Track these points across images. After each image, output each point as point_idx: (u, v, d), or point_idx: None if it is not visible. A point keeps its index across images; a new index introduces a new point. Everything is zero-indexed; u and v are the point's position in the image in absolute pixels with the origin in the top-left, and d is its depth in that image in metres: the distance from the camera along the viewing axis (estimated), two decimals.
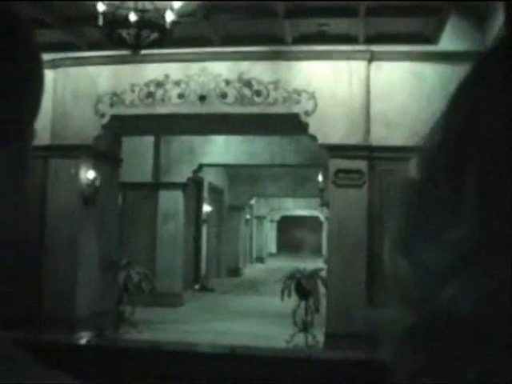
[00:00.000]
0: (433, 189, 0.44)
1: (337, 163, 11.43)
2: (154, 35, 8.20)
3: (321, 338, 11.68)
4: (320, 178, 20.89)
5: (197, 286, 23.41)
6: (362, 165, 11.30)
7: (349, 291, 10.61)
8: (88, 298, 12.26)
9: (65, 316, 11.65)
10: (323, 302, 12.00)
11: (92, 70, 12.34)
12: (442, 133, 0.47)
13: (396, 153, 11.01)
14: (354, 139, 11.44)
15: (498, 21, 9.58)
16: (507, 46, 0.46)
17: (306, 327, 12.26)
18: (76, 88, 12.41)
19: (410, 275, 0.44)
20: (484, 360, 0.38)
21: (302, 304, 12.62)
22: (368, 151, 11.36)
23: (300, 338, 12.07)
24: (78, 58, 12.17)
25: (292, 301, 12.73)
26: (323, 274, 12.48)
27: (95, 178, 12.41)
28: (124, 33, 8.12)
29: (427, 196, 0.45)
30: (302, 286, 12.32)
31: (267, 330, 14.16)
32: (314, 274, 12.69)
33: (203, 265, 25.26)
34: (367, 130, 11.46)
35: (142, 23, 8.03)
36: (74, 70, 12.43)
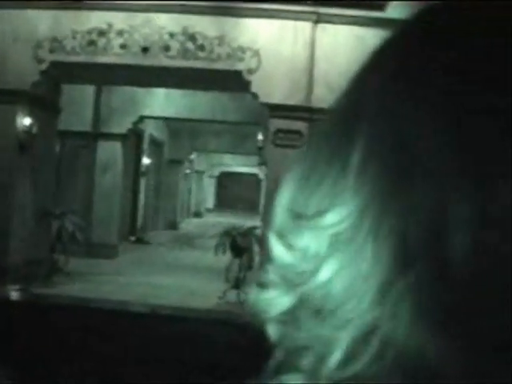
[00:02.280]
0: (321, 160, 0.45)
1: (277, 123, 11.46)
2: None
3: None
4: (260, 136, 20.89)
5: (133, 238, 23.33)
6: (302, 126, 11.34)
7: None
8: (21, 247, 12.12)
9: None
10: (257, 259, 12.12)
11: (32, 13, 12.02)
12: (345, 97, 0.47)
13: None
14: (296, 100, 11.46)
15: None
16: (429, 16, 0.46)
17: (238, 284, 12.36)
18: (15, 31, 12.09)
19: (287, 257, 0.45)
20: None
21: (236, 261, 12.71)
22: (308, 112, 11.39)
23: (233, 295, 12.16)
24: (17, 1, 11.86)
25: (227, 257, 12.81)
26: (258, 232, 12.56)
27: (32, 125, 12.19)
28: None
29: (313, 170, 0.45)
30: (236, 243, 12.39)
31: (201, 284, 14.23)
32: (249, 231, 12.76)
33: (140, 217, 25.16)
34: (309, 92, 11.49)
35: None
36: (14, 13, 12.08)
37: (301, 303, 0.43)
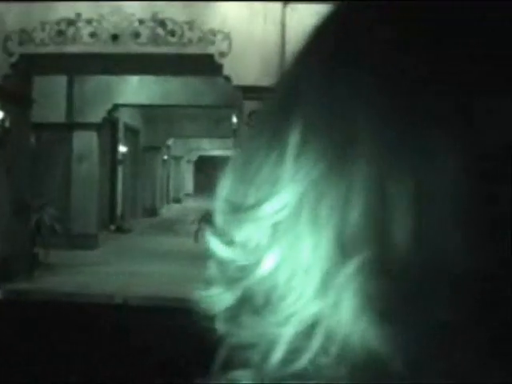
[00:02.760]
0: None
1: (251, 105, 11.43)
2: None
3: None
4: (234, 119, 20.82)
5: (113, 227, 23.26)
6: None
7: None
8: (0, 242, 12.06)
9: None
10: None
11: (0, 6, 11.91)
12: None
13: None
14: (269, 80, 11.40)
15: None
16: None
17: None
18: None
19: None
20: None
21: None
22: None
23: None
24: None
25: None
26: None
27: (4, 119, 12.09)
28: None
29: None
30: None
31: (182, 271, 14.21)
32: None
33: (119, 206, 25.07)
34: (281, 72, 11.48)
35: None
36: None
37: (243, 299, 0.43)
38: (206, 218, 12.61)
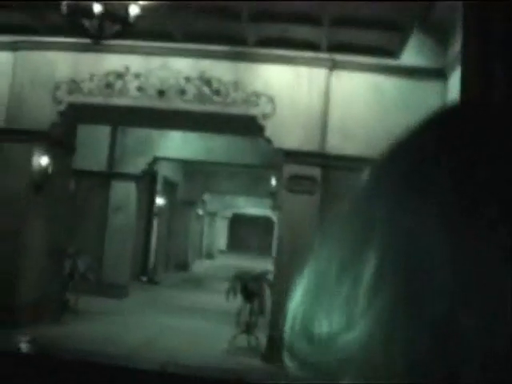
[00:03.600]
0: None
1: (291, 168, 11.48)
2: (117, 27, 8.16)
3: (263, 341, 11.71)
4: (273, 181, 20.87)
5: (144, 279, 23.31)
6: (315, 172, 11.37)
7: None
8: (31, 286, 12.14)
9: (5, 304, 11.51)
10: (268, 304, 12.06)
11: (52, 55, 12.21)
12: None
13: (350, 162, 11.11)
14: (310, 146, 11.50)
15: (460, 39, 9.70)
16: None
17: (249, 329, 12.28)
18: (35, 72, 12.27)
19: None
20: None
21: (247, 305, 12.64)
22: (323, 159, 11.43)
23: (243, 340, 12.08)
24: (38, 42, 12.03)
25: (238, 301, 12.74)
26: (270, 277, 12.51)
27: (48, 165, 12.29)
28: (87, 23, 8.06)
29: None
30: (247, 288, 12.33)
31: (210, 328, 14.17)
32: (261, 276, 12.72)
33: (152, 258, 25.15)
34: (323, 138, 11.53)
35: (106, 14, 7.98)
36: (34, 54, 12.28)
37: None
38: (238, 278, 12.59)
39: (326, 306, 0.45)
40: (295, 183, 11.36)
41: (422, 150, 0.46)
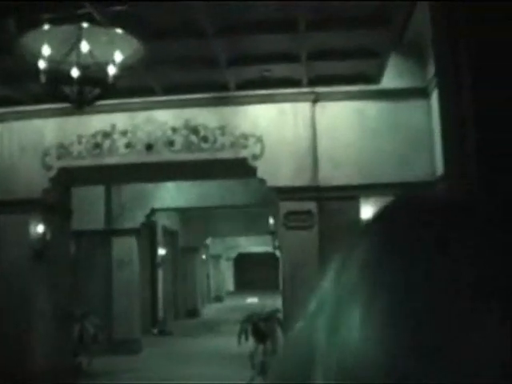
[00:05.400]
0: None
1: (286, 205, 11.51)
2: (97, 90, 8.23)
3: None
4: (271, 220, 20.87)
5: (155, 331, 23.22)
6: (311, 206, 11.40)
7: None
8: (43, 353, 12.09)
9: (19, 373, 11.48)
10: (281, 343, 12.01)
11: (38, 122, 12.28)
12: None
13: (343, 191, 11.21)
14: (303, 180, 11.54)
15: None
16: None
17: (264, 369, 12.22)
18: (22, 141, 12.33)
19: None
20: None
21: (261, 346, 12.59)
22: (316, 192, 11.46)
23: (259, 381, 12.01)
24: (22, 111, 12.12)
25: (251, 342, 12.70)
26: (280, 315, 12.48)
27: (45, 232, 12.30)
28: (67, 89, 8.12)
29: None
30: (259, 328, 12.31)
31: (226, 373, 14.10)
32: (271, 315, 12.69)
33: (160, 308, 25.09)
34: (315, 170, 11.58)
35: (85, 79, 8.05)
36: (20, 124, 12.35)
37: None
38: (248, 320, 12.56)
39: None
40: (292, 219, 11.37)
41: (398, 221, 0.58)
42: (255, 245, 44.80)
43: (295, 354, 0.61)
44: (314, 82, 11.34)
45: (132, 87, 10.73)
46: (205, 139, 11.76)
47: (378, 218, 0.60)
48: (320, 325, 0.57)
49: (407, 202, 0.60)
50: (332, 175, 11.51)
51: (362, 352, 0.51)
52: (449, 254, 0.52)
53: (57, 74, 8.08)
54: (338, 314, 0.56)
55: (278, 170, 11.58)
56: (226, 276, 53.10)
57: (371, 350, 0.51)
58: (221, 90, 11.48)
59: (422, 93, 11.39)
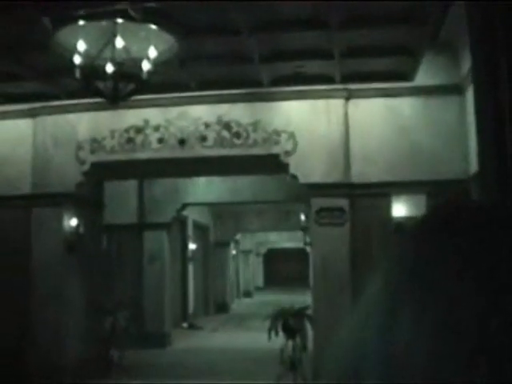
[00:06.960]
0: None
1: (318, 202, 11.50)
2: (131, 86, 8.27)
3: (310, 377, 11.63)
4: (302, 217, 20.82)
5: (185, 325, 23.32)
6: (343, 202, 11.38)
7: (334, 330, 10.58)
8: (76, 346, 12.21)
9: (52, 365, 11.62)
10: (311, 339, 11.99)
11: (71, 117, 12.39)
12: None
13: (376, 188, 11.17)
14: (335, 177, 11.52)
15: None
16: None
17: (294, 366, 12.21)
18: (56, 136, 12.45)
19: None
20: None
21: (290, 342, 12.56)
22: (349, 189, 11.44)
23: (289, 378, 12.01)
24: (56, 106, 12.23)
25: (280, 337, 12.68)
26: (310, 311, 12.46)
27: (78, 225, 12.42)
28: (101, 85, 8.18)
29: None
30: (288, 324, 12.28)
31: (256, 367, 14.12)
32: (301, 312, 12.66)
33: (191, 303, 25.19)
34: (347, 167, 11.55)
35: (119, 75, 8.09)
36: (54, 118, 12.48)
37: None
38: (278, 316, 12.54)
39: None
40: (324, 216, 11.36)
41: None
42: (285, 241, 44.78)
43: (347, 353, 0.63)
44: (347, 78, 11.28)
45: (166, 83, 10.75)
46: (237, 135, 11.78)
47: (432, 219, 0.63)
48: (372, 323, 0.59)
49: (459, 208, 0.63)
50: (364, 172, 11.47)
51: (413, 351, 0.53)
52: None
53: (91, 70, 8.12)
54: (391, 312, 0.57)
55: (310, 166, 11.57)
56: (256, 271, 53.13)
57: (423, 349, 0.52)
58: (254, 86, 11.45)
59: (455, 89, 11.30)
